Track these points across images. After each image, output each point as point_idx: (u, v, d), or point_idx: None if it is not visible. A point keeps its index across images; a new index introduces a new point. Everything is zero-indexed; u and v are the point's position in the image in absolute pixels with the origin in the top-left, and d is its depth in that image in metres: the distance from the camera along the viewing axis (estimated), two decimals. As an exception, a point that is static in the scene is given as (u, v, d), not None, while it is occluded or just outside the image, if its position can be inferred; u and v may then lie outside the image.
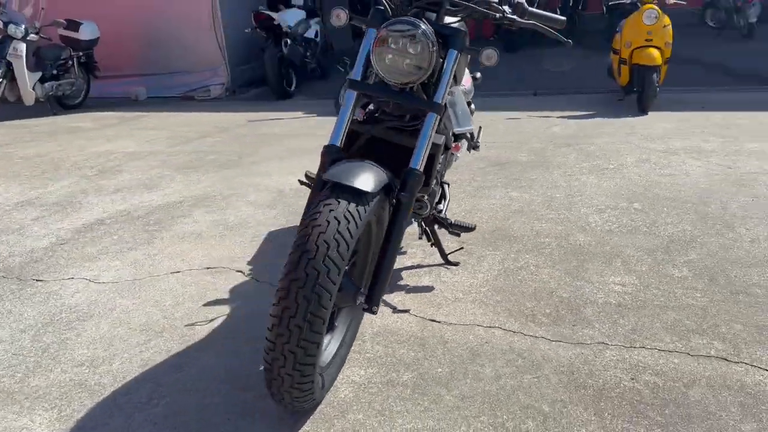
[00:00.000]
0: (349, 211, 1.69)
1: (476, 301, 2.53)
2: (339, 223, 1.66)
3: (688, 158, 4.27)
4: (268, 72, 7.85)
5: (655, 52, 5.88)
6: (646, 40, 5.98)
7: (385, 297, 2.58)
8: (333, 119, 6.26)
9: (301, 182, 2.27)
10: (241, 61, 8.94)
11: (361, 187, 1.74)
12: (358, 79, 2.01)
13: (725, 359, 2.09)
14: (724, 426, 1.79)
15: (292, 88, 8.29)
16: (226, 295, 2.70)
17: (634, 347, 2.17)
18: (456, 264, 2.82)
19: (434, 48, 1.90)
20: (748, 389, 1.94)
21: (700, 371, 2.03)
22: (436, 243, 2.70)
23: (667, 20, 6.00)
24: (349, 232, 1.67)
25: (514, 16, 2.04)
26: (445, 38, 1.98)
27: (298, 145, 5.28)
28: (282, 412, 1.94)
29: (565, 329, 2.30)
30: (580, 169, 4.14)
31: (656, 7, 5.97)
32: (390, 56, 1.91)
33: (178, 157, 5.10)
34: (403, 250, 3.03)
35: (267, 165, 4.69)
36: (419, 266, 2.85)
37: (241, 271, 2.92)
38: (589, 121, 5.67)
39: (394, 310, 2.49)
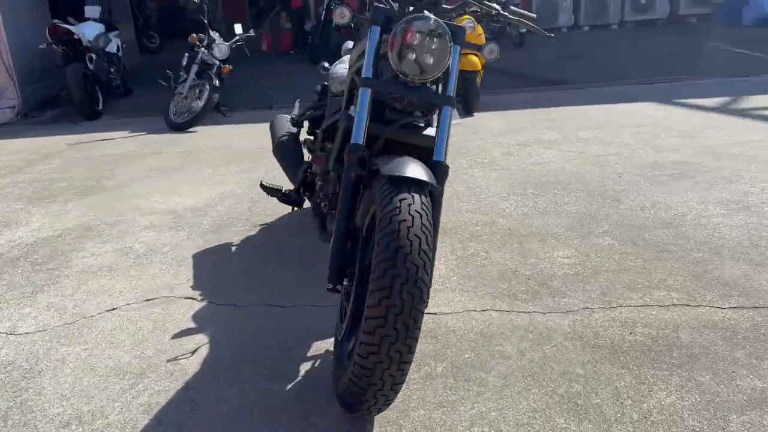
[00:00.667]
0: (423, 203, 1.69)
1: (455, 290, 2.63)
2: (421, 216, 1.66)
3: (542, 148, 4.78)
4: (73, 90, 7.11)
5: (475, 58, 6.45)
6: (465, 47, 6.53)
7: (367, 299, 2.57)
8: (172, 136, 5.91)
9: (264, 187, 2.21)
10: (33, 80, 7.97)
11: (424, 179, 1.74)
12: (370, 76, 2.00)
13: (688, 305, 2.44)
14: (722, 356, 2.11)
15: (100, 106, 7.60)
16: (191, 324, 2.48)
17: (614, 307, 2.44)
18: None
19: (452, 44, 1.96)
20: (720, 325, 2.29)
21: (676, 318, 2.35)
22: None
23: (480, 29, 6.61)
24: (430, 224, 1.67)
25: (505, 13, 2.18)
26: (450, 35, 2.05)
27: (159, 164, 4.91)
28: (341, 425, 1.87)
29: (549, 301, 2.50)
30: (460, 164, 4.43)
31: (471, 17, 6.55)
32: (413, 53, 1.93)
33: (16, 188, 4.45)
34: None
35: (137, 187, 4.30)
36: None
37: (191, 298, 2.68)
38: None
39: (384, 309, 2.49)
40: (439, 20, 1.93)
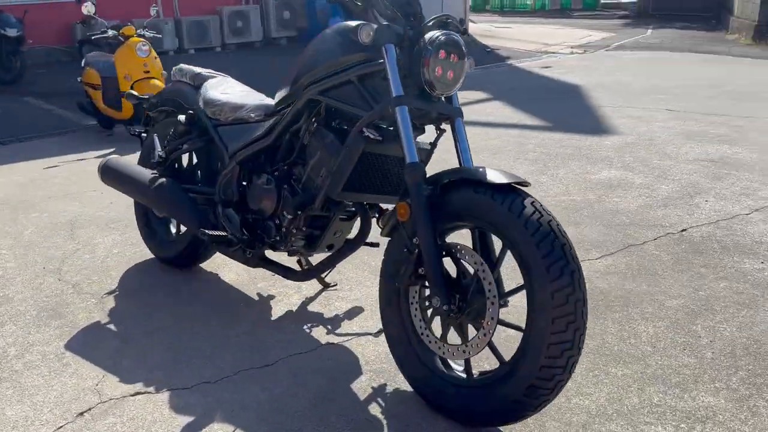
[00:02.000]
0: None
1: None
2: (549, 214, 1.80)
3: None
4: None
5: (158, 82, 6.13)
6: (145, 72, 6.14)
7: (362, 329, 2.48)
8: None
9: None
10: None
11: (522, 183, 1.87)
12: (402, 93, 1.99)
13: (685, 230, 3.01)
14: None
15: None
16: (185, 421, 2.03)
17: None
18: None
19: (470, 59, 2.10)
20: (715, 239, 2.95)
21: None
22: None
23: (154, 52, 6.28)
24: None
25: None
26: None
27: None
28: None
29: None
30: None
31: (143, 39, 6.17)
32: (442, 69, 2.01)
33: None
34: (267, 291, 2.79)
35: None
36: (312, 298, 2.75)
37: (141, 393, 2.15)
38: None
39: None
40: (460, 38, 2.05)
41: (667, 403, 2.03)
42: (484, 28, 15.15)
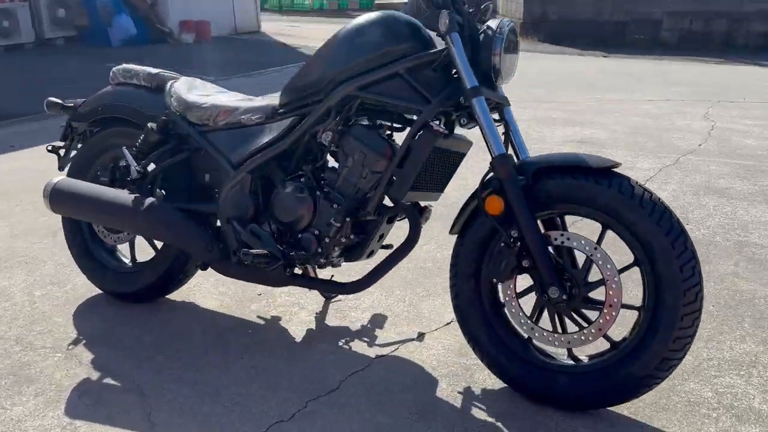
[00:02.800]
0: None
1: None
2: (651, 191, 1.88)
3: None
4: None
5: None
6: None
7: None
8: None
9: None
10: None
11: (616, 165, 1.91)
12: (477, 84, 1.94)
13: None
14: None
15: None
16: None
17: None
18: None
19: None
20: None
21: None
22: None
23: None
24: None
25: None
26: None
27: None
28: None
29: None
30: None
31: None
32: (508, 60, 2.01)
33: None
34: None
35: None
36: (322, 313, 2.52)
37: None
38: None
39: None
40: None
41: (717, 356, 2.24)
42: (277, 27, 14.99)
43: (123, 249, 2.77)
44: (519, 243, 1.91)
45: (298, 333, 2.44)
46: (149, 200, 2.30)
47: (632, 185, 1.84)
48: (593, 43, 11.97)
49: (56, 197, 2.41)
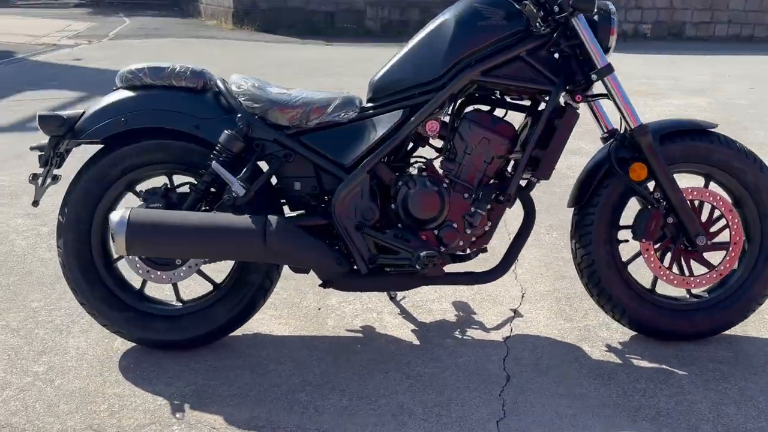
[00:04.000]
0: None
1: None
2: None
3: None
4: None
5: None
6: None
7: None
8: None
9: None
10: None
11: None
12: (608, 62, 2.09)
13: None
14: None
15: None
16: None
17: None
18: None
19: None
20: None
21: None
22: None
23: None
24: None
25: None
26: None
27: None
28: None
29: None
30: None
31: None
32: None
33: None
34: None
35: None
36: (393, 313, 2.42)
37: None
38: None
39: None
40: None
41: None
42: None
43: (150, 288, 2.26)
44: (665, 203, 2.15)
45: (407, 336, 2.33)
46: (275, 219, 1.97)
47: (734, 141, 2.21)
48: (307, 32, 12.41)
49: (136, 234, 1.88)
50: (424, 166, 2.15)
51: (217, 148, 2.03)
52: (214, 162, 2.01)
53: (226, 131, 2.02)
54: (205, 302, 2.19)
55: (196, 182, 2.10)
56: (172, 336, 2.18)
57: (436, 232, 2.09)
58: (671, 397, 2.00)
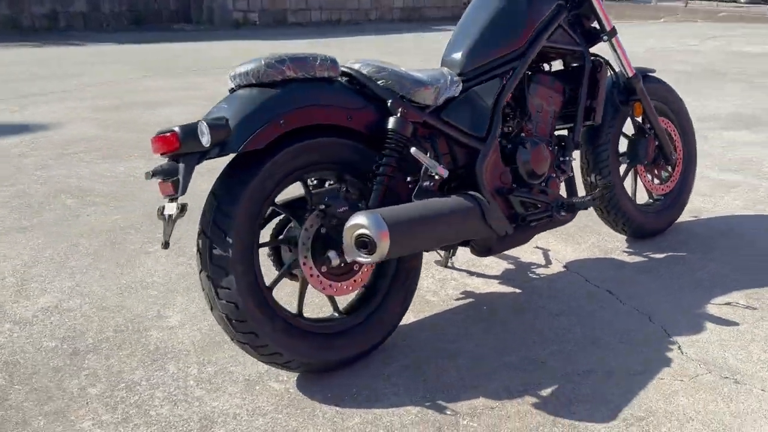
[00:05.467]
0: None
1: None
2: None
3: None
4: None
5: None
6: None
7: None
8: None
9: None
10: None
11: None
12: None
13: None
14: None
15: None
16: None
17: None
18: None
19: None
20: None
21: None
22: None
23: None
24: None
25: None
26: None
27: None
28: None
29: None
30: None
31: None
32: None
33: None
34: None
35: None
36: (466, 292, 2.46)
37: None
38: None
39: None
40: None
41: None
42: None
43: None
44: (652, 131, 2.69)
45: (507, 290, 2.39)
46: (477, 195, 1.93)
47: (664, 81, 2.86)
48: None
49: (398, 232, 1.59)
50: (517, 127, 2.26)
51: (390, 135, 1.82)
52: (413, 148, 1.80)
53: (392, 117, 1.83)
54: (375, 304, 1.91)
55: (375, 176, 1.83)
56: (352, 350, 1.87)
57: (543, 184, 2.24)
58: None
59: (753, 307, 2.24)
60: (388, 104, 1.85)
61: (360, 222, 1.61)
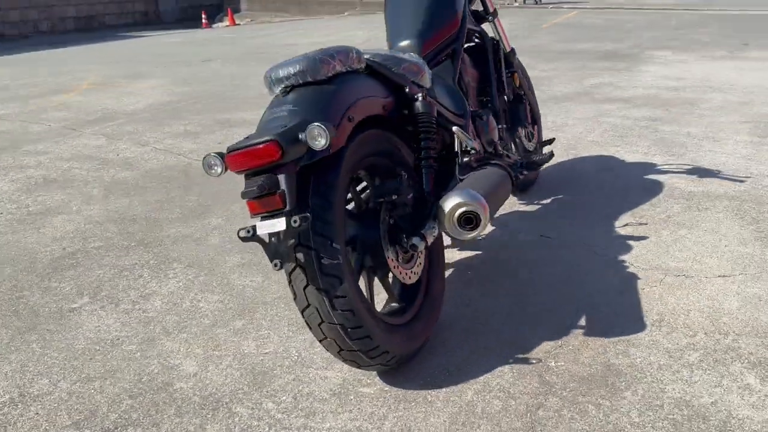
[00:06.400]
0: None
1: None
2: None
3: None
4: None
5: None
6: None
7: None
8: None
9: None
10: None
11: None
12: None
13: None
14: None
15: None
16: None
17: None
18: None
19: None
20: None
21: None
22: None
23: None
24: None
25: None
26: None
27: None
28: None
29: None
30: None
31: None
32: None
33: None
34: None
35: None
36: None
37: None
38: None
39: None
40: None
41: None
42: None
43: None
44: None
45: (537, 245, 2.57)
46: (504, 165, 2.12)
47: None
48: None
49: (490, 205, 1.74)
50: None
51: (422, 119, 1.89)
52: (455, 127, 1.88)
53: (418, 102, 1.89)
54: (424, 286, 1.94)
55: (420, 159, 1.88)
56: (427, 332, 1.92)
57: (501, 150, 2.51)
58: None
59: (644, 222, 2.81)
60: (406, 90, 1.90)
61: (461, 200, 1.68)
